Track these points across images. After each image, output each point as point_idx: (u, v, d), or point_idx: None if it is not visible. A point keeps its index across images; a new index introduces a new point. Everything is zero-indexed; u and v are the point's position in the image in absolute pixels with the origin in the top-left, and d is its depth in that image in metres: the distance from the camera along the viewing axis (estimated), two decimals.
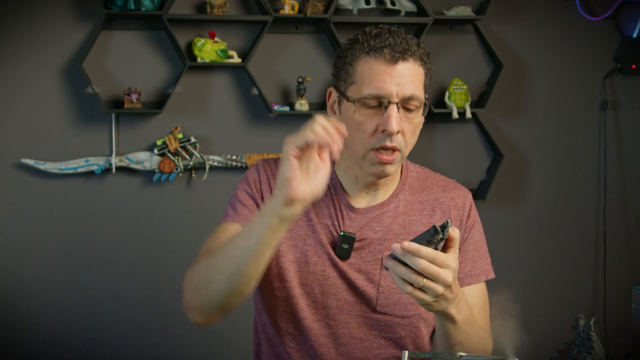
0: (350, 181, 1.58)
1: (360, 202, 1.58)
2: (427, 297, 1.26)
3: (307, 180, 1.28)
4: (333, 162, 1.59)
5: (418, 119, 1.49)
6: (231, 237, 1.45)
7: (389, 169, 1.48)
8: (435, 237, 1.24)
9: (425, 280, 1.24)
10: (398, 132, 1.44)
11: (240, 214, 1.55)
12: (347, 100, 1.49)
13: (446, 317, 1.35)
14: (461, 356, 1.32)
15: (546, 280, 3.43)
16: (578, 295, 3.47)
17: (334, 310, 1.55)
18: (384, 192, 1.59)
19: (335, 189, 1.58)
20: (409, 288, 1.25)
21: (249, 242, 1.32)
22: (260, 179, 1.59)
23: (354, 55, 1.49)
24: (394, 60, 1.45)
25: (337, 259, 1.55)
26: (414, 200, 1.60)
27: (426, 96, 1.51)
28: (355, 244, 1.54)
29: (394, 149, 1.46)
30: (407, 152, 1.50)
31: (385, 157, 1.47)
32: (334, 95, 1.55)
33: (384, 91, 1.44)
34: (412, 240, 1.25)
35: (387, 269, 1.28)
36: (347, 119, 1.49)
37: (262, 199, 1.57)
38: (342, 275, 1.54)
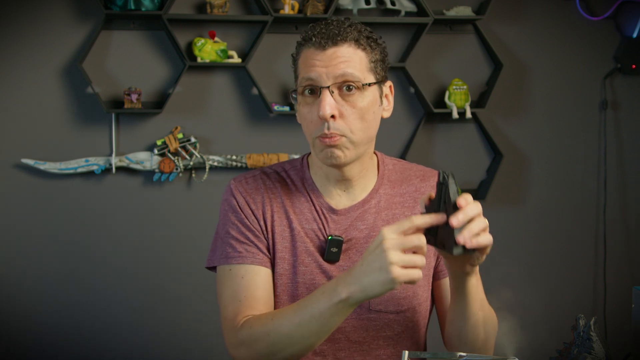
0: (323, 180, 1.55)
1: (340, 202, 1.55)
2: (490, 237, 1.27)
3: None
4: (308, 165, 1.59)
5: (362, 101, 1.45)
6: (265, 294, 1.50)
7: (336, 152, 1.44)
8: (452, 185, 1.24)
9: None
10: (334, 116, 1.42)
11: (243, 252, 1.52)
12: (293, 92, 1.50)
13: (474, 273, 1.36)
14: (461, 356, 1.32)
15: (546, 280, 3.43)
16: (578, 295, 3.47)
17: None
18: (362, 189, 1.56)
19: (313, 192, 1.55)
20: (489, 234, 1.26)
21: (325, 327, 1.35)
22: (239, 202, 1.54)
23: (297, 52, 1.51)
24: (322, 46, 1.44)
25: (325, 265, 1.52)
26: (394, 193, 1.58)
27: (373, 83, 1.47)
28: (342, 246, 1.52)
29: (332, 136, 1.43)
30: (357, 138, 1.45)
31: (327, 139, 1.43)
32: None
33: (314, 74, 1.43)
34: (444, 202, 1.25)
35: (463, 251, 1.25)
36: (298, 114, 1.51)
37: (255, 217, 1.53)
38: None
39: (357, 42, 1.45)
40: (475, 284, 1.39)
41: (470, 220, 1.24)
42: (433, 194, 1.29)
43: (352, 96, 1.44)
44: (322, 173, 1.55)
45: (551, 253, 3.45)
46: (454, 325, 1.48)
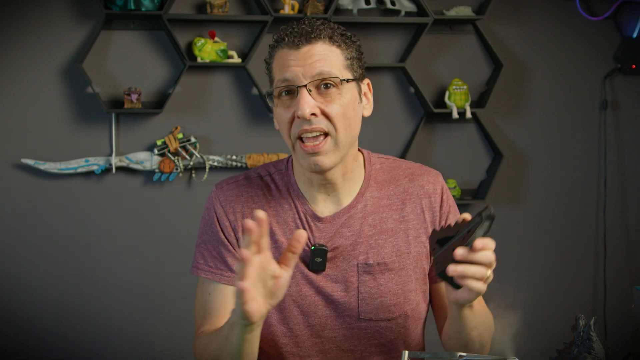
0: (306, 186, 1.50)
1: (325, 208, 1.50)
2: (484, 287, 1.26)
3: (263, 296, 1.23)
4: (292, 168, 1.54)
5: (342, 98, 1.41)
6: (216, 307, 1.49)
7: (320, 159, 1.40)
8: (487, 224, 1.23)
9: (489, 271, 1.24)
10: (314, 114, 1.38)
11: (212, 268, 1.51)
12: (270, 96, 1.46)
13: (467, 306, 1.34)
14: (461, 356, 1.32)
15: (546, 280, 3.43)
16: (578, 295, 3.47)
17: (317, 328, 1.49)
18: (348, 192, 1.51)
19: (297, 199, 1.51)
20: (480, 284, 1.24)
21: (232, 350, 1.33)
22: (217, 213, 1.52)
23: (270, 55, 1.47)
24: (295, 45, 1.41)
25: (311, 275, 1.48)
26: (381, 195, 1.52)
27: (351, 79, 1.43)
28: (328, 254, 1.48)
29: (316, 131, 1.39)
30: (342, 137, 1.41)
31: (310, 145, 1.40)
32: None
33: (290, 74, 1.40)
34: (468, 231, 1.23)
35: (444, 278, 1.24)
36: (275, 117, 1.47)
37: (232, 229, 1.51)
38: (319, 290, 1.48)
39: (331, 39, 1.43)
40: (468, 314, 1.37)
41: (473, 263, 1.23)
42: (468, 217, 1.26)
43: (331, 94, 1.41)
44: (305, 178, 1.50)
45: (551, 253, 3.45)
46: (448, 336, 1.48)
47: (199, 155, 3.11)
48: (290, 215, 1.50)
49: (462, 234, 1.24)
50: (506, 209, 3.41)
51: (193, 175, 3.15)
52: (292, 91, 1.41)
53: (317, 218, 1.50)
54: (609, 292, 3.46)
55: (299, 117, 1.39)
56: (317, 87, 1.40)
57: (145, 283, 3.14)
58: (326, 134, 1.40)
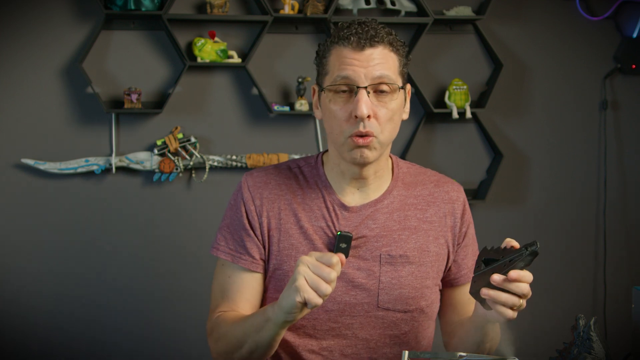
0: (337, 178, 1.57)
1: (352, 200, 1.57)
2: (514, 314, 1.31)
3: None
4: (322, 162, 1.62)
5: (393, 103, 1.48)
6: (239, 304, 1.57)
7: (367, 153, 1.48)
8: (529, 258, 1.27)
9: (522, 300, 1.30)
10: (369, 116, 1.45)
11: (233, 251, 1.57)
12: (322, 90, 1.51)
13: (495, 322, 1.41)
14: (461, 356, 1.32)
15: (546, 280, 3.43)
16: (578, 295, 3.47)
17: (335, 313, 1.54)
18: (376, 189, 1.58)
19: (325, 189, 1.57)
20: (510, 311, 1.30)
21: (262, 340, 1.41)
22: (244, 198, 1.58)
23: (326, 48, 1.52)
24: (360, 46, 1.47)
25: None
26: (408, 195, 1.60)
27: (402, 87, 1.51)
28: (352, 243, 1.54)
29: (367, 135, 1.46)
30: (385, 138, 1.49)
31: (362, 140, 1.46)
32: (316, 91, 1.57)
33: (352, 73, 1.46)
34: (510, 260, 1.28)
35: (477, 298, 1.31)
36: (325, 110, 1.52)
37: (257, 214, 1.57)
38: (341, 276, 1.53)
39: (391, 44, 1.50)
40: (490, 328, 1.44)
41: (507, 291, 1.29)
42: (516, 245, 1.31)
43: (385, 98, 1.48)
44: (338, 170, 1.57)
45: (551, 253, 3.45)
46: (460, 340, 1.55)
47: (199, 155, 3.11)
48: (317, 203, 1.57)
49: (504, 261, 1.29)
50: (506, 209, 3.41)
51: (193, 175, 3.15)
52: (350, 89, 1.47)
53: (344, 207, 1.56)
54: (609, 292, 3.46)
55: (357, 117, 1.45)
56: (375, 90, 1.47)
57: (145, 283, 3.14)
58: (371, 134, 1.48)
